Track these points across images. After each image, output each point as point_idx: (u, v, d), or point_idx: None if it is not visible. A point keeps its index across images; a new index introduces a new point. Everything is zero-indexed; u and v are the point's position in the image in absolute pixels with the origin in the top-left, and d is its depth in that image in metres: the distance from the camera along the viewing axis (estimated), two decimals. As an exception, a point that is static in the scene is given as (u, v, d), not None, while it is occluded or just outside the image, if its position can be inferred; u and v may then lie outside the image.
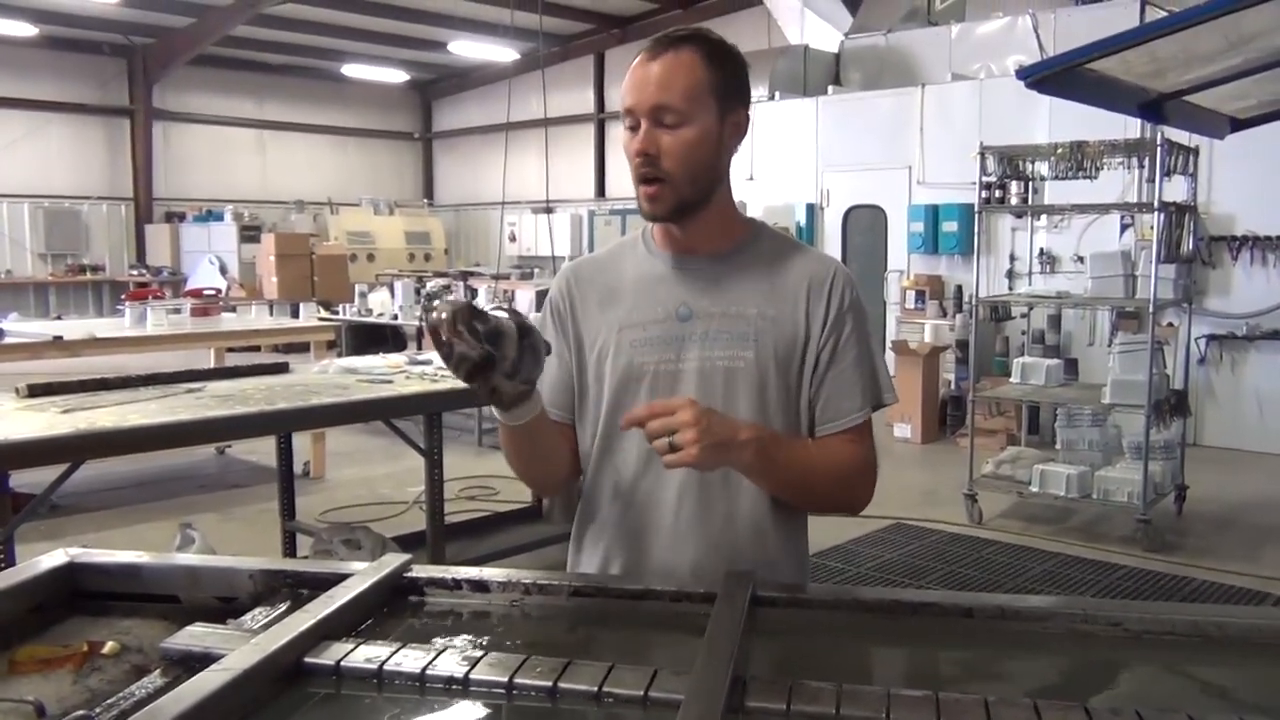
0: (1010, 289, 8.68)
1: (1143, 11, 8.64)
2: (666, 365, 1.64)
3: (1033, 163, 6.23)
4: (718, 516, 1.65)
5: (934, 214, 9.49)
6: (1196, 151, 6.05)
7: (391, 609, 1.48)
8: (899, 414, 8.49)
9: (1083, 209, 6.63)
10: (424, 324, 1.44)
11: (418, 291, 9.24)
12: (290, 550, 5.01)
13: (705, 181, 1.61)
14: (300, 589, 1.50)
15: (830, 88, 10.76)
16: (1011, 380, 6.50)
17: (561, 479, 1.80)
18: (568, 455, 1.75)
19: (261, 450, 6.95)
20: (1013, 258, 9.06)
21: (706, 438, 1.42)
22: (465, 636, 1.41)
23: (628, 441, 1.67)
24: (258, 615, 1.42)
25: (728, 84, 1.59)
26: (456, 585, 1.53)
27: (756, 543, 1.67)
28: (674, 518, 1.65)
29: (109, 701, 1.18)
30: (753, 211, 6.20)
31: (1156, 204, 5.58)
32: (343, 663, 1.25)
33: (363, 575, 1.48)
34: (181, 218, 17.96)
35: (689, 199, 1.60)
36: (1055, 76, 4.47)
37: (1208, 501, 6.43)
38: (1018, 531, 6.01)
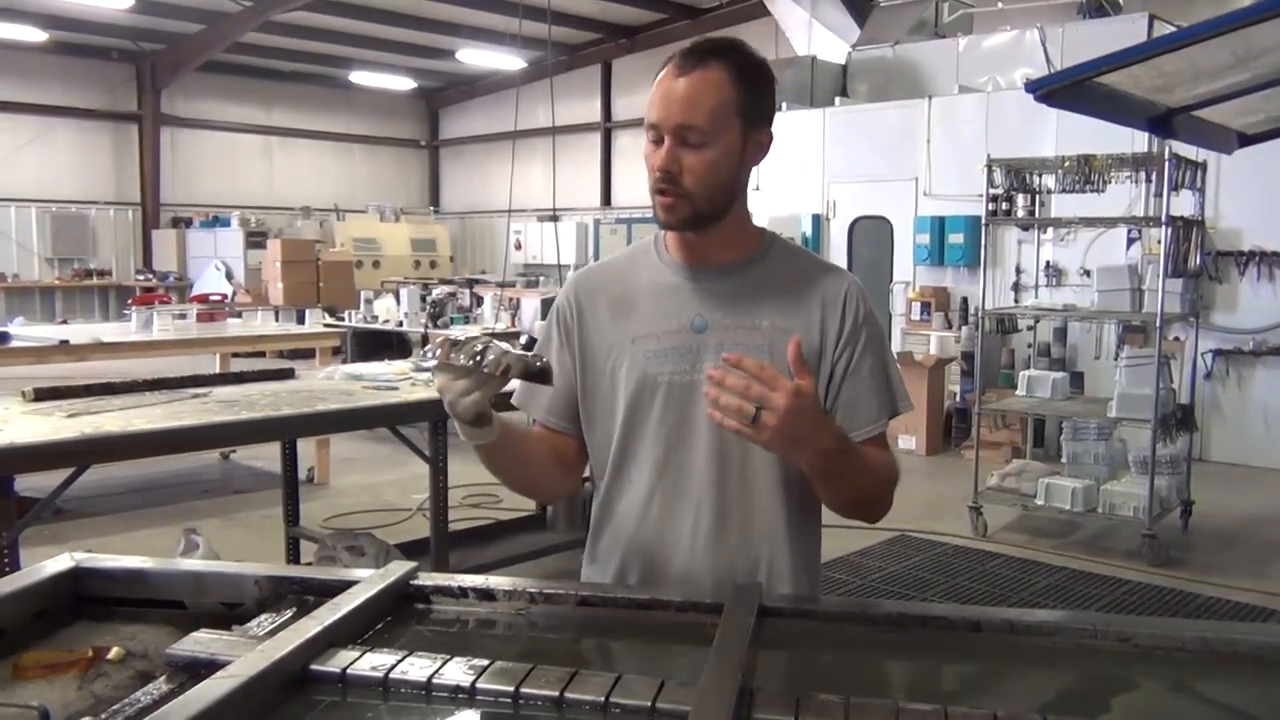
0: (1016, 301, 8.67)
1: (1150, 26, 8.64)
2: (681, 376, 1.64)
3: (1039, 175, 6.23)
4: (734, 529, 1.65)
5: (940, 226, 9.49)
6: (1204, 166, 6.04)
7: (397, 617, 1.47)
8: (904, 426, 8.47)
9: (1089, 222, 6.63)
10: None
11: (423, 299, 9.25)
12: (294, 556, 5.00)
13: (723, 198, 1.61)
14: (306, 595, 1.50)
15: (837, 99, 10.77)
16: (1017, 393, 6.49)
17: (552, 490, 1.83)
18: (556, 467, 1.74)
19: (265, 456, 6.95)
20: (1019, 270, 9.05)
21: (789, 430, 1.38)
22: (471, 645, 1.41)
23: (643, 454, 1.67)
24: (263, 622, 1.42)
25: (753, 103, 1.59)
26: (463, 593, 1.53)
27: (773, 555, 1.66)
28: (691, 531, 1.65)
29: (114, 708, 1.18)
30: (758, 222, 6.19)
31: (1164, 218, 5.58)
32: (349, 670, 1.24)
33: (369, 582, 1.48)
34: (188, 223, 18.01)
35: (705, 213, 1.60)
36: (1064, 90, 4.47)
37: (1213, 517, 6.40)
38: (1022, 545, 5.99)
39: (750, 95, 1.58)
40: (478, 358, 1.44)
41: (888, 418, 1.69)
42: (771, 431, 1.38)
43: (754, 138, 1.61)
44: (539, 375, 1.49)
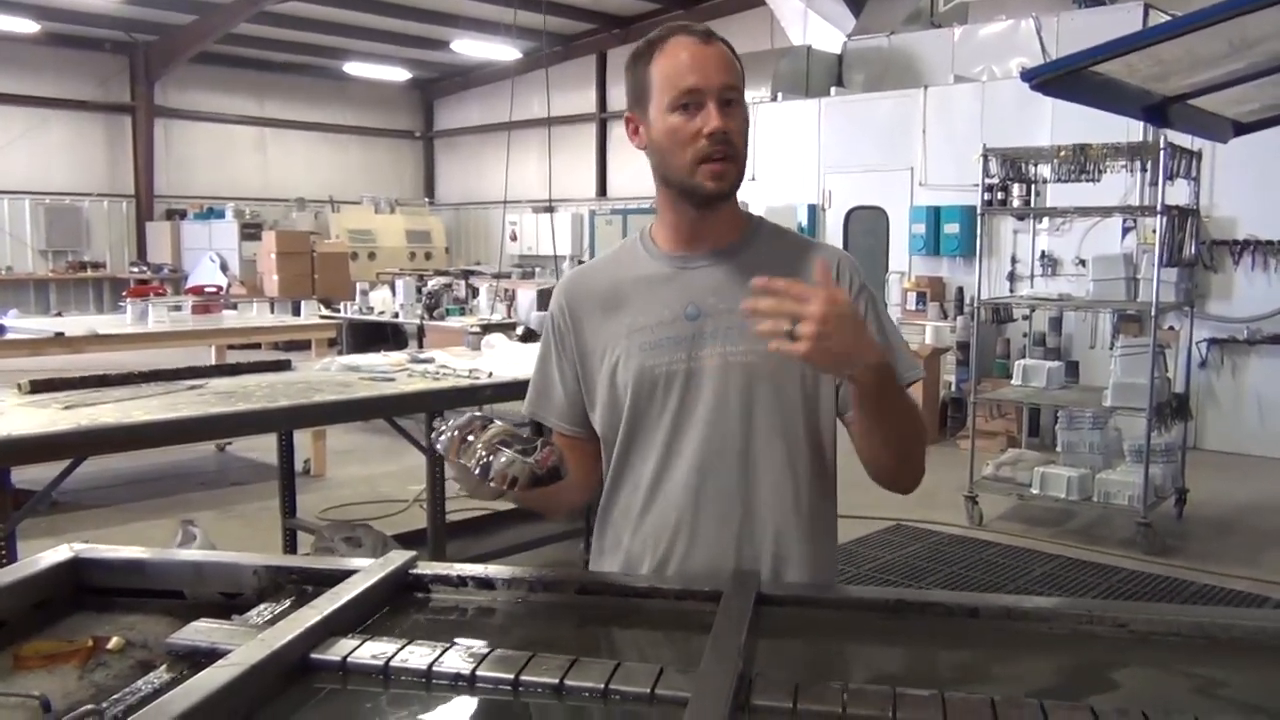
0: (1012, 291, 8.67)
1: (1146, 15, 8.64)
2: (679, 365, 1.64)
3: (1035, 165, 6.23)
4: (735, 519, 1.65)
5: (936, 216, 9.48)
6: (1199, 155, 6.04)
7: (397, 606, 1.48)
8: (899, 416, 8.47)
9: (1085, 212, 6.62)
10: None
11: (419, 290, 9.24)
12: (291, 548, 5.00)
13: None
14: (305, 585, 1.50)
15: (833, 89, 10.75)
16: (1012, 382, 6.50)
17: (576, 503, 1.84)
18: (579, 482, 1.74)
19: (262, 447, 6.95)
20: (1014, 260, 9.06)
21: (827, 339, 1.36)
22: (471, 633, 1.41)
23: (646, 446, 1.67)
24: (263, 611, 1.42)
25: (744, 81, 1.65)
26: (462, 582, 1.53)
27: (780, 540, 1.66)
28: (693, 519, 1.65)
29: (115, 697, 1.18)
30: (755, 211, 6.17)
31: (1159, 207, 5.58)
32: (349, 659, 1.25)
33: (368, 572, 1.48)
34: (182, 215, 17.96)
35: (741, 178, 1.63)
36: (1059, 79, 4.46)
37: (1208, 505, 6.43)
38: (1018, 533, 6.00)
39: (743, 73, 1.64)
40: (486, 461, 1.43)
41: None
42: (810, 342, 1.35)
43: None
44: (548, 478, 1.46)
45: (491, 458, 1.43)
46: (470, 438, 1.46)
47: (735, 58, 1.62)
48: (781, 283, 1.38)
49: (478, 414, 1.51)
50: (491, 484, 1.43)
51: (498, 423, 1.49)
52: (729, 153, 1.57)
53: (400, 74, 20.08)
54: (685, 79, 1.56)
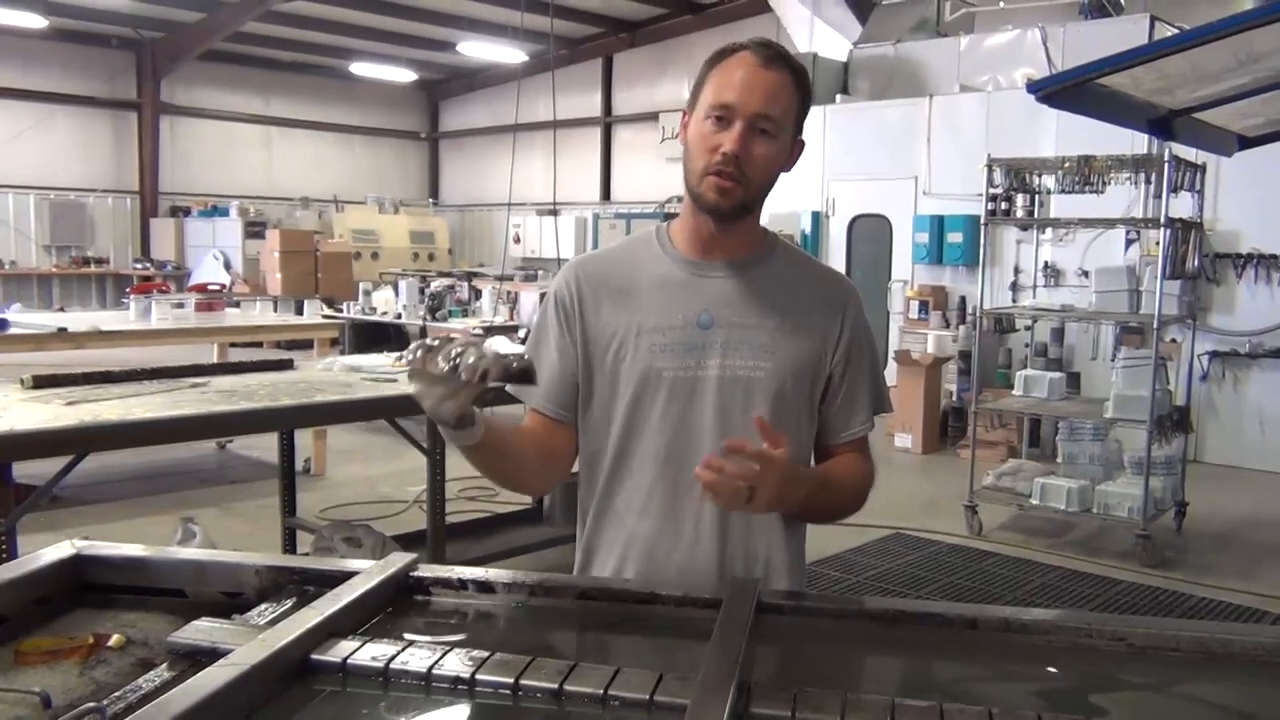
0: (1014, 301, 8.68)
1: (1152, 28, 8.65)
2: (686, 372, 1.65)
3: (1039, 176, 6.24)
4: (738, 525, 1.67)
5: (939, 225, 9.49)
6: (1203, 168, 6.05)
7: (397, 608, 1.48)
8: (900, 424, 8.48)
9: (1088, 223, 6.64)
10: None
11: (422, 291, 9.26)
12: (290, 547, 5.00)
13: (765, 194, 1.67)
14: (306, 586, 1.51)
15: (838, 97, 10.76)
16: (1013, 392, 6.49)
17: (538, 485, 1.88)
18: (544, 462, 1.72)
19: (262, 446, 6.96)
20: (1017, 270, 9.06)
21: (775, 500, 1.50)
22: (471, 636, 1.42)
23: (645, 448, 1.68)
24: (264, 611, 1.43)
25: (803, 112, 1.67)
26: (462, 585, 1.53)
27: (770, 550, 1.70)
28: (694, 526, 1.66)
29: (116, 694, 1.18)
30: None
31: (1162, 220, 5.58)
32: (349, 660, 1.25)
33: (369, 573, 1.48)
34: (187, 212, 17.97)
35: (750, 203, 1.65)
36: (1065, 91, 4.47)
37: (1208, 518, 6.42)
38: (1017, 544, 6.00)
39: (803, 105, 1.66)
40: (454, 362, 1.39)
41: (873, 420, 1.78)
42: (761, 505, 1.50)
43: (797, 145, 1.69)
44: (519, 376, 1.46)
45: (461, 359, 1.39)
46: (434, 348, 1.44)
47: (799, 88, 1.63)
48: (753, 450, 1.46)
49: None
50: (462, 377, 1.39)
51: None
52: (736, 176, 1.59)
53: (406, 75, 20.08)
54: (726, 94, 1.59)
